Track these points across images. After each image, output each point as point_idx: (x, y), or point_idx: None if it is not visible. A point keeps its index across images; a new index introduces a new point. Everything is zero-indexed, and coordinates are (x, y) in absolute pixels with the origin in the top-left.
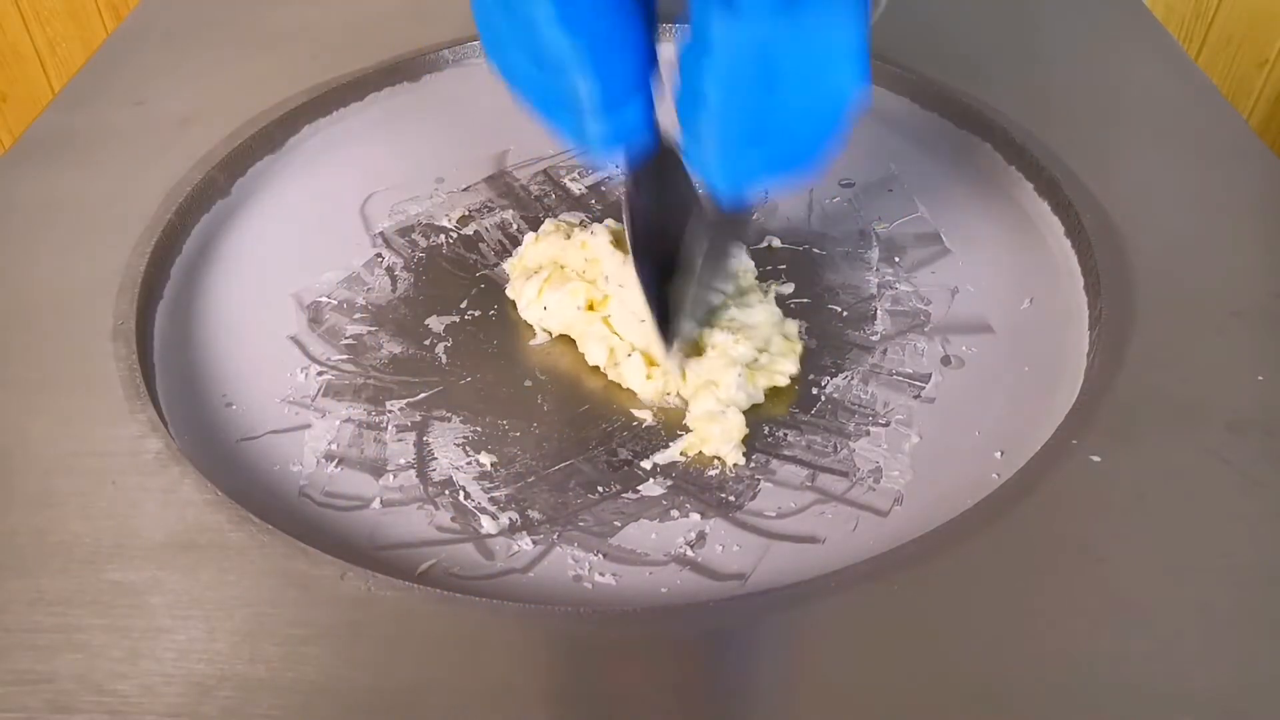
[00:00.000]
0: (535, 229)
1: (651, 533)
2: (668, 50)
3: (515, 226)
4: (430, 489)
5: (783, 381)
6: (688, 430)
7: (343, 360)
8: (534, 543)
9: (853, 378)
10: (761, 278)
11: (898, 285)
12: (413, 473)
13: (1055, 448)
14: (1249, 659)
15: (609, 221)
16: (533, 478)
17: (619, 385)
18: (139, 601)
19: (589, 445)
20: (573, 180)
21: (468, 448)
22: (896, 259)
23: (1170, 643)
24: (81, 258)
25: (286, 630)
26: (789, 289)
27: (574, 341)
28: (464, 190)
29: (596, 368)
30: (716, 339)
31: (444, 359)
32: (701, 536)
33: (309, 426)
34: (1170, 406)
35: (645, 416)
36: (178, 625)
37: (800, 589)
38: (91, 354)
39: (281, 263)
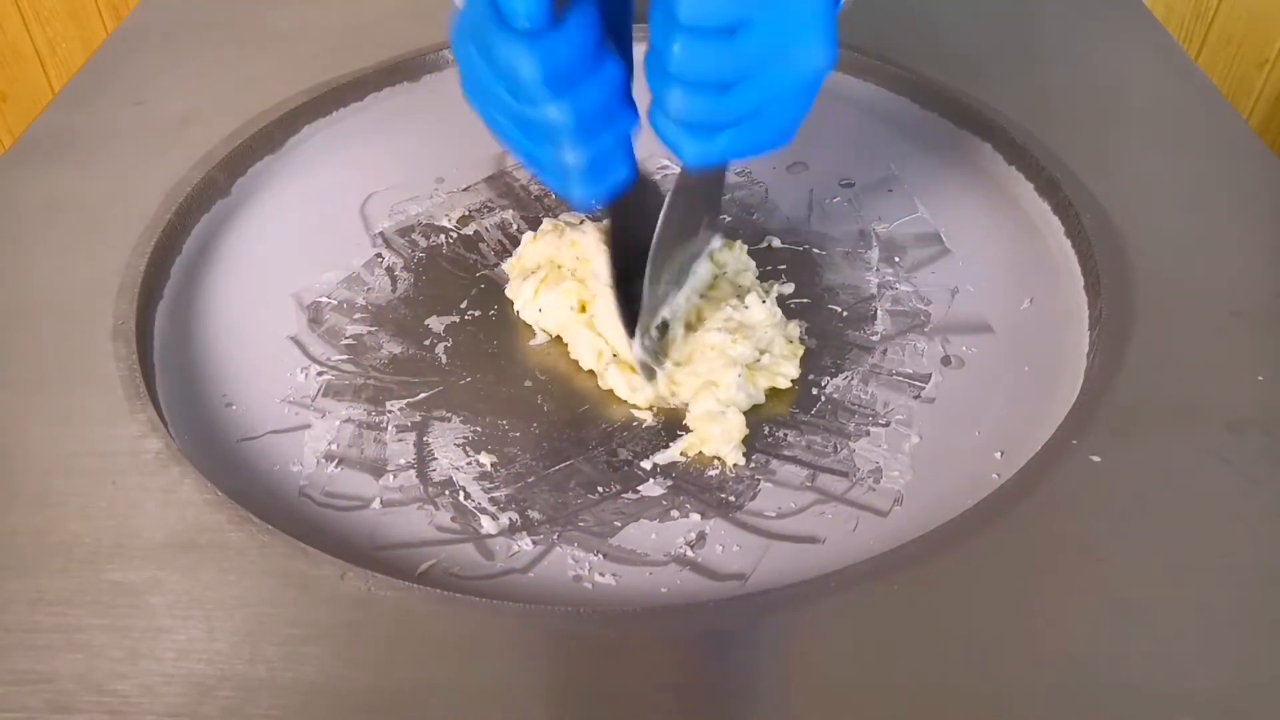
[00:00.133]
0: (535, 229)
1: (651, 533)
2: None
3: (515, 226)
4: (430, 489)
5: (784, 384)
6: (688, 430)
7: (343, 360)
8: (534, 543)
9: (853, 378)
10: (761, 278)
11: (898, 285)
12: (413, 473)
13: (1055, 448)
14: (1249, 659)
15: (559, 220)
16: (533, 478)
17: None
18: (139, 601)
19: (589, 445)
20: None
21: (468, 448)
22: (896, 259)
23: (1170, 643)
24: (81, 258)
25: (286, 630)
26: (789, 289)
27: None
28: (464, 190)
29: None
30: (715, 339)
31: (444, 359)
32: (701, 536)
33: (309, 426)
34: (1170, 406)
35: (645, 416)
36: (178, 625)
37: (800, 589)
38: (91, 354)
39: (281, 263)
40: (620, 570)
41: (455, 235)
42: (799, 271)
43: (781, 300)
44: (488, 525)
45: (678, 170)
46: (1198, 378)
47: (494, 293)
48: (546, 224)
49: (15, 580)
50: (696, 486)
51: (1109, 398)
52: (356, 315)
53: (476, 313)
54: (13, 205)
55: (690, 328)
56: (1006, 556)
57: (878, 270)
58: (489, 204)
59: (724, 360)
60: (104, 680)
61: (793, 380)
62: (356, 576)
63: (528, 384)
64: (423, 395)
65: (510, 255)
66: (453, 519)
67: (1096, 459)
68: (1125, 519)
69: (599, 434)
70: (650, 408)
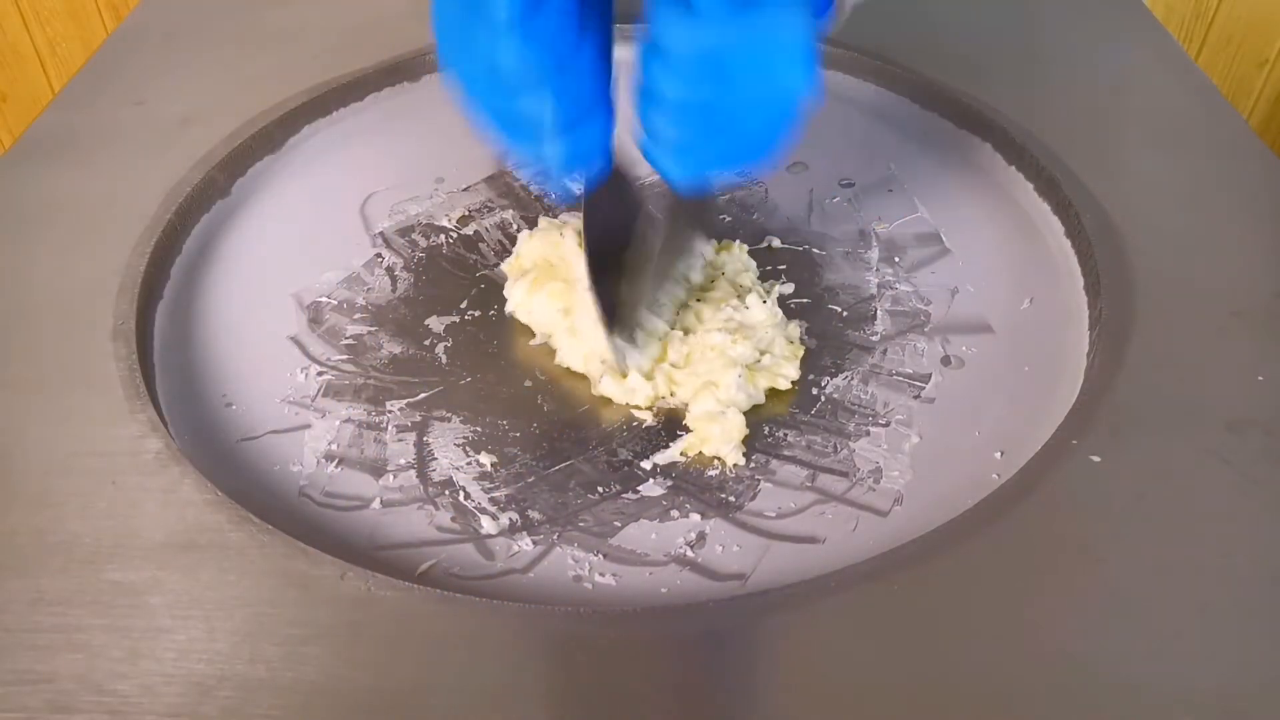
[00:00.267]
0: (534, 229)
1: (651, 533)
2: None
3: (515, 226)
4: (430, 489)
5: (784, 385)
6: (688, 430)
7: (343, 360)
8: (534, 543)
9: (853, 378)
10: (761, 278)
11: (898, 285)
12: (413, 473)
13: (1055, 448)
14: (1249, 659)
15: (557, 220)
16: (533, 478)
17: None
18: (139, 601)
19: (589, 445)
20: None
21: (468, 448)
22: (896, 259)
23: (1170, 643)
24: (81, 258)
25: (286, 630)
26: (789, 289)
27: None
28: (464, 190)
29: None
30: (715, 339)
31: (444, 359)
32: (701, 536)
33: (309, 426)
34: (1170, 406)
35: (645, 417)
36: (178, 625)
37: (800, 589)
38: (91, 354)
39: (281, 263)
40: (620, 570)
41: (455, 235)
42: (799, 271)
43: (781, 300)
44: (488, 525)
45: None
46: (1198, 378)
47: (494, 293)
48: (543, 223)
49: (15, 580)
50: (696, 486)
51: (1109, 398)
52: (356, 315)
53: (476, 313)
54: (13, 205)
55: (689, 329)
56: (1006, 556)
57: (878, 270)
58: (489, 204)
59: (724, 360)
60: (104, 680)
61: (793, 382)
62: (356, 576)
63: (528, 384)
64: (423, 395)
65: (510, 255)
66: (453, 519)
67: (1096, 459)
68: (1125, 519)
69: (599, 434)
70: (650, 408)
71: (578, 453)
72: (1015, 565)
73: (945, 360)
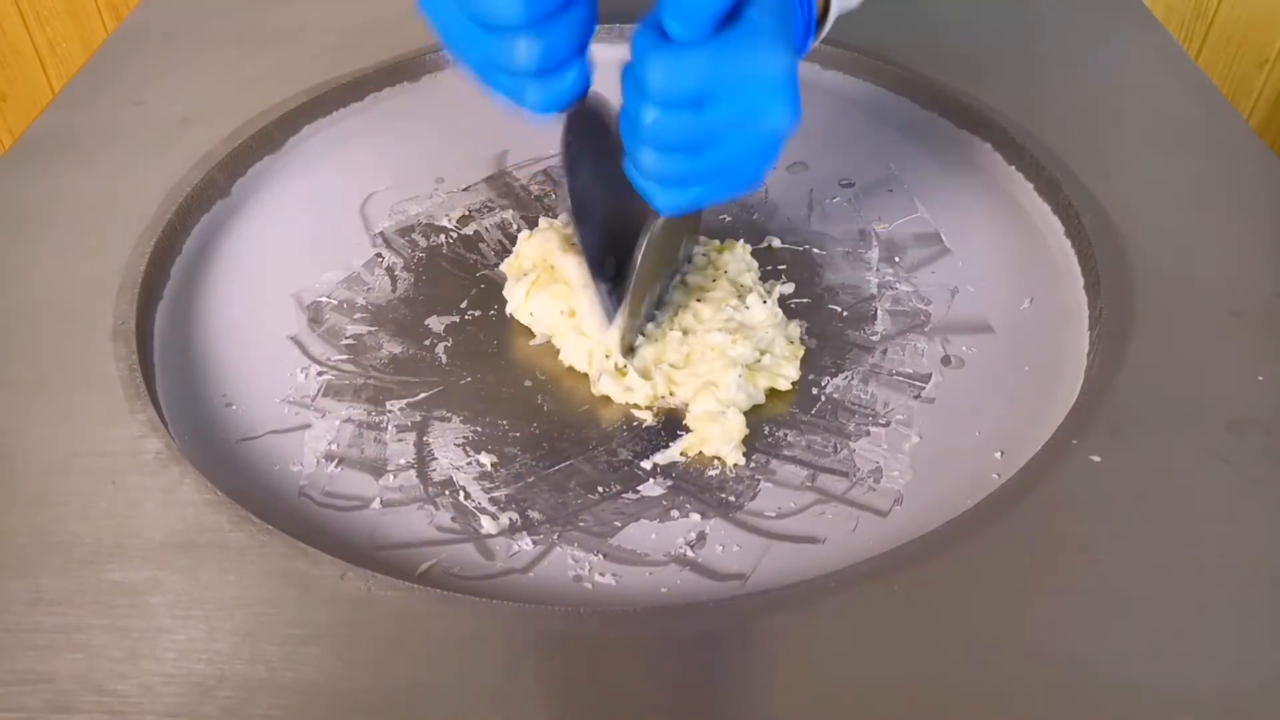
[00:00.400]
0: (534, 229)
1: (651, 533)
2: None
3: (515, 226)
4: (430, 489)
5: (784, 386)
6: (688, 430)
7: (343, 360)
8: (534, 543)
9: (853, 378)
10: (762, 278)
11: (898, 285)
12: (413, 473)
13: (1055, 448)
14: (1249, 659)
15: (556, 221)
16: (533, 478)
17: None
18: (139, 601)
19: (589, 445)
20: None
21: (468, 448)
22: (896, 259)
23: (1170, 643)
24: (81, 258)
25: (286, 630)
26: (789, 289)
27: None
28: (464, 190)
29: None
30: (716, 339)
31: (444, 359)
32: (701, 536)
33: (309, 426)
34: (1170, 406)
35: (645, 416)
36: (178, 625)
37: (800, 589)
38: (91, 354)
39: (281, 263)
40: (620, 570)
41: (455, 235)
42: (799, 271)
43: (781, 300)
44: (488, 525)
45: None
46: (1198, 378)
47: (494, 293)
48: (543, 223)
49: (15, 580)
50: (696, 486)
51: (1109, 398)
52: (356, 315)
53: (476, 313)
54: (13, 205)
55: (687, 330)
56: (1006, 556)
57: (878, 270)
58: (489, 204)
59: (724, 360)
60: (104, 680)
61: (793, 382)
62: (356, 576)
63: (528, 384)
64: (423, 395)
65: (510, 255)
66: (453, 519)
67: (1096, 459)
68: (1125, 519)
69: (599, 434)
70: (650, 407)
71: (578, 453)
72: (1015, 565)
73: (945, 360)
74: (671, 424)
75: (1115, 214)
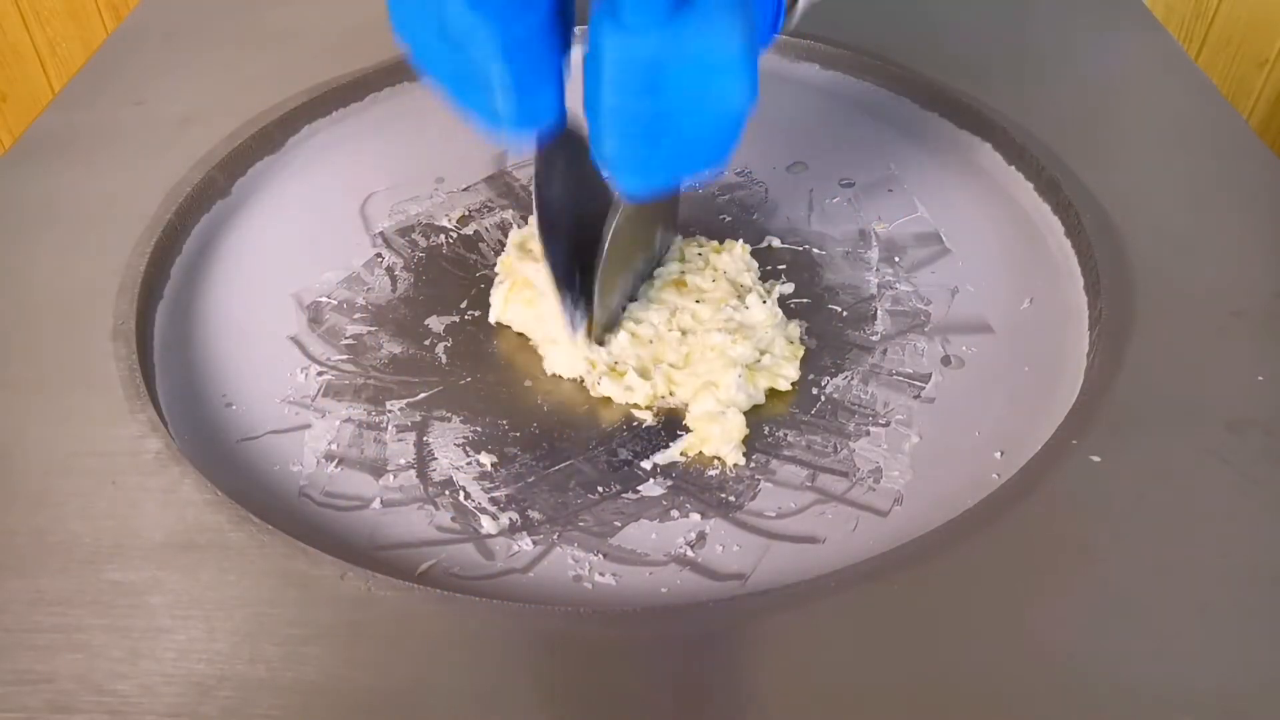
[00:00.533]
0: None
1: (651, 533)
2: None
3: (515, 226)
4: (430, 489)
5: (784, 386)
6: (688, 430)
7: (343, 360)
8: (534, 543)
9: (853, 378)
10: (761, 278)
11: (898, 285)
12: (413, 473)
13: (1055, 448)
14: (1249, 659)
15: (513, 233)
16: (533, 478)
17: None
18: (139, 601)
19: (589, 445)
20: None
21: (468, 448)
22: (896, 259)
23: (1170, 643)
24: (81, 258)
25: (286, 630)
26: (789, 289)
27: None
28: (464, 190)
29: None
30: (715, 339)
31: (444, 359)
32: (701, 536)
33: (309, 426)
34: (1170, 406)
35: (645, 416)
36: (178, 625)
37: (800, 589)
38: (91, 354)
39: (281, 263)
40: (620, 570)
41: (455, 235)
42: (799, 271)
43: (781, 300)
44: (488, 525)
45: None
46: (1198, 378)
47: None
48: (513, 235)
49: (15, 580)
50: (696, 486)
51: (1109, 398)
52: (356, 315)
53: (476, 313)
54: (13, 205)
55: (686, 330)
56: (1006, 556)
57: (878, 270)
58: (489, 204)
59: (724, 360)
60: (104, 680)
61: (793, 382)
62: (356, 576)
63: (527, 384)
64: (423, 395)
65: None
66: (453, 519)
67: (1096, 459)
68: (1125, 519)
69: (599, 434)
70: (650, 407)
71: (578, 453)
72: (1015, 565)
73: (945, 360)
74: (671, 424)
75: (1115, 214)
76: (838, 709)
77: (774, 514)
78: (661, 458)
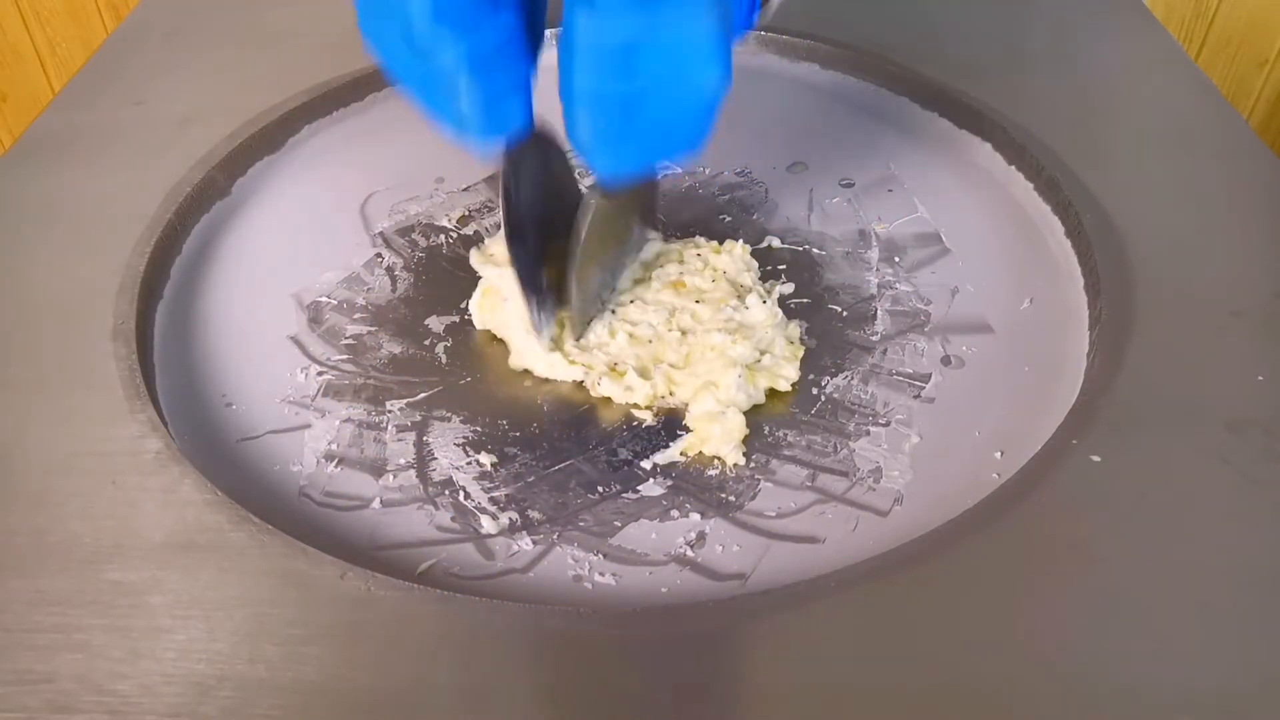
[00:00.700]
0: None
1: (651, 533)
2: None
3: None
4: (430, 489)
5: (784, 386)
6: (688, 430)
7: (343, 360)
8: (534, 543)
9: (853, 378)
10: (762, 278)
11: (898, 285)
12: (413, 473)
13: (1055, 448)
14: (1249, 659)
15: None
16: (533, 477)
17: None
18: (139, 601)
19: (589, 445)
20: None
21: (468, 448)
22: (896, 259)
23: (1170, 643)
24: (81, 258)
25: (286, 630)
26: (789, 289)
27: None
28: (464, 190)
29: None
30: (715, 339)
31: (444, 359)
32: (701, 536)
33: (309, 426)
34: (1170, 406)
35: (645, 416)
36: (178, 625)
37: (800, 589)
38: (91, 354)
39: (281, 263)
40: (620, 570)
41: (455, 235)
42: (799, 271)
43: (781, 300)
44: (488, 525)
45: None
46: (1198, 378)
47: None
48: (487, 242)
49: (15, 580)
50: (696, 486)
51: (1109, 398)
52: (356, 315)
53: None
54: (13, 205)
55: (686, 330)
56: (1006, 556)
57: (878, 270)
58: (489, 204)
59: (724, 361)
60: (104, 680)
61: (793, 382)
62: (356, 576)
63: (527, 384)
64: (423, 395)
65: None
66: (453, 519)
67: (1096, 459)
68: (1125, 519)
69: (599, 434)
70: (650, 407)
71: (578, 453)
72: (1015, 565)
73: (945, 360)
74: (671, 424)
75: (1115, 214)
76: (838, 709)
77: (774, 514)
78: (661, 458)
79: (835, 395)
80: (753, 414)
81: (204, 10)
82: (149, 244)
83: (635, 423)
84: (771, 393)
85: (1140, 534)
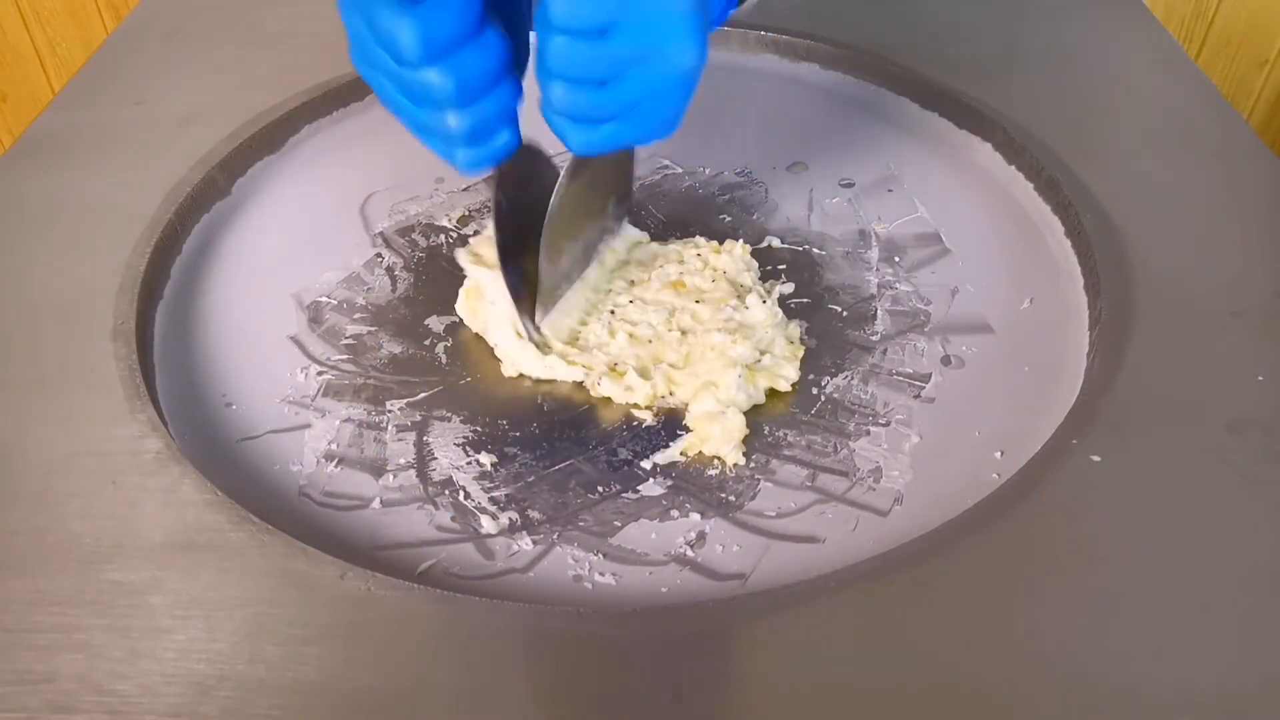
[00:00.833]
0: None
1: (651, 533)
2: None
3: None
4: (430, 489)
5: (784, 386)
6: (688, 430)
7: (343, 360)
8: (534, 543)
9: (853, 378)
10: (762, 278)
11: (898, 285)
12: (413, 473)
13: (1055, 448)
14: (1249, 659)
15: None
16: (533, 477)
17: None
18: (139, 601)
19: (589, 445)
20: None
21: (468, 448)
22: (896, 259)
23: (1170, 643)
24: (81, 258)
25: (286, 630)
26: (789, 289)
27: None
28: (464, 190)
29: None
30: (716, 339)
31: (444, 359)
32: (701, 536)
33: (309, 426)
34: (1170, 406)
35: (645, 416)
36: (178, 625)
37: (800, 589)
38: (91, 354)
39: (281, 263)
40: (620, 570)
41: (455, 235)
42: (799, 271)
43: (781, 300)
44: (488, 525)
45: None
46: (1198, 378)
47: None
48: (473, 242)
49: (15, 580)
50: (696, 486)
51: (1109, 398)
52: (356, 315)
53: None
54: (13, 205)
55: (686, 330)
56: (1007, 556)
57: (878, 270)
58: (489, 204)
59: (724, 360)
60: (104, 680)
61: (793, 382)
62: (356, 576)
63: (527, 384)
64: (423, 395)
65: None
66: (453, 519)
67: (1096, 459)
68: (1125, 519)
69: (599, 434)
70: (650, 407)
71: (578, 453)
72: (1015, 565)
73: (945, 360)
74: (671, 424)
75: (1115, 214)
76: (838, 709)
77: (774, 514)
78: (661, 457)
79: (835, 395)
80: (753, 414)
81: (204, 10)
82: (149, 244)
83: (635, 423)
84: (771, 393)
85: (1140, 534)
